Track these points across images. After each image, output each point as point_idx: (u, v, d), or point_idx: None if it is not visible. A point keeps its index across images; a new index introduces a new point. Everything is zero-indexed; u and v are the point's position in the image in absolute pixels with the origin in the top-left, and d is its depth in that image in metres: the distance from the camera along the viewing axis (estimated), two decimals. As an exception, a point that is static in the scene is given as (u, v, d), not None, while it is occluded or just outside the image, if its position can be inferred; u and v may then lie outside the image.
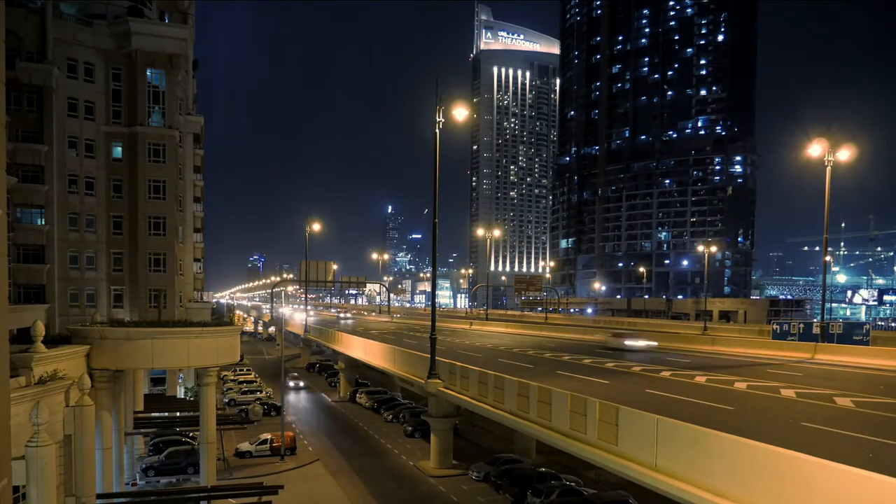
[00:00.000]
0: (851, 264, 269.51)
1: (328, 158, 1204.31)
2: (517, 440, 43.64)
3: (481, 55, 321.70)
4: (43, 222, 42.44)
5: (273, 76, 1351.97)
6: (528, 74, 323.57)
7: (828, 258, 54.72)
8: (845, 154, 41.18)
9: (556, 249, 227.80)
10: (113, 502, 26.51)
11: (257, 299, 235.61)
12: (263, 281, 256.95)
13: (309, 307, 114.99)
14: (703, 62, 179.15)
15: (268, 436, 44.86)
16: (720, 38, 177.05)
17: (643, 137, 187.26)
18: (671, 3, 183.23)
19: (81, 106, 44.09)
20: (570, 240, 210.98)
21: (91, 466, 22.54)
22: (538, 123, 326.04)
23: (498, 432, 48.29)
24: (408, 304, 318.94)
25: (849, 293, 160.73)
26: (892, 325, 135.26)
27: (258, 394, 64.32)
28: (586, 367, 37.16)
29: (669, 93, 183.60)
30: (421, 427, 48.98)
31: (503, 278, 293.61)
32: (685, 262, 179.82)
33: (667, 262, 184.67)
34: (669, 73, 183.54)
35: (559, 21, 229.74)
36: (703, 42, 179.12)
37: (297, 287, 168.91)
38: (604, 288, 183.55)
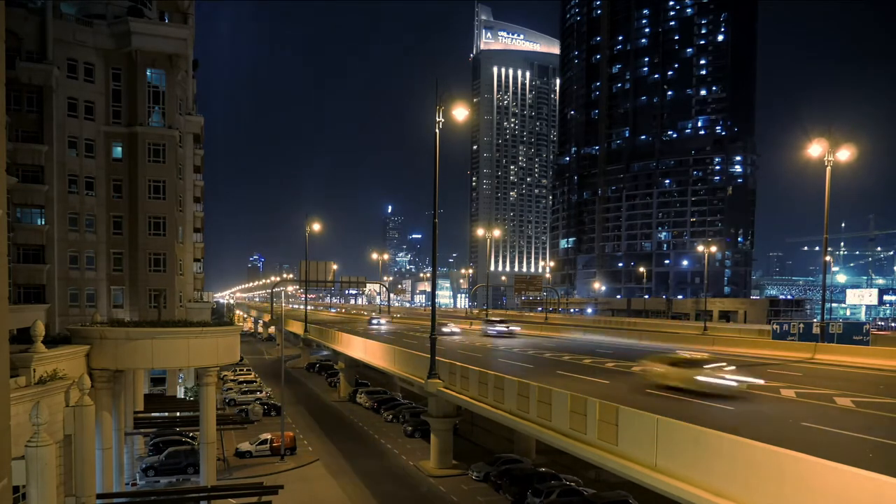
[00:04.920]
0: (851, 264, 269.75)
1: (328, 158, 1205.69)
2: (517, 440, 43.62)
3: (481, 55, 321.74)
4: (43, 222, 42.46)
5: (273, 76, 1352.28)
6: (527, 74, 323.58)
7: (828, 258, 54.73)
8: (845, 154, 41.14)
9: (556, 249, 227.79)
10: (113, 502, 26.51)
11: (257, 299, 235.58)
12: (263, 281, 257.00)
13: (310, 307, 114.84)
14: (703, 62, 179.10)
15: (268, 436, 44.85)
16: (720, 38, 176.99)
17: (643, 137, 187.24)
18: (671, 3, 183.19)
19: (81, 106, 44.11)
20: (570, 240, 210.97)
21: (91, 466, 22.55)
22: (538, 123, 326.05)
23: (498, 432, 48.27)
24: (408, 304, 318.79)
25: (849, 293, 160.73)
26: (893, 324, 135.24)
27: (258, 394, 64.33)
28: (586, 367, 37.14)
29: (669, 93, 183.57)
30: (421, 427, 48.97)
31: (503, 278, 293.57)
32: (685, 262, 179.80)
33: (667, 262, 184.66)
34: (669, 73, 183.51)
35: (559, 21, 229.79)
36: (703, 42, 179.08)
37: (297, 287, 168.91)
38: (604, 288, 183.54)
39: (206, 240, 68.52)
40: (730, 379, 26.64)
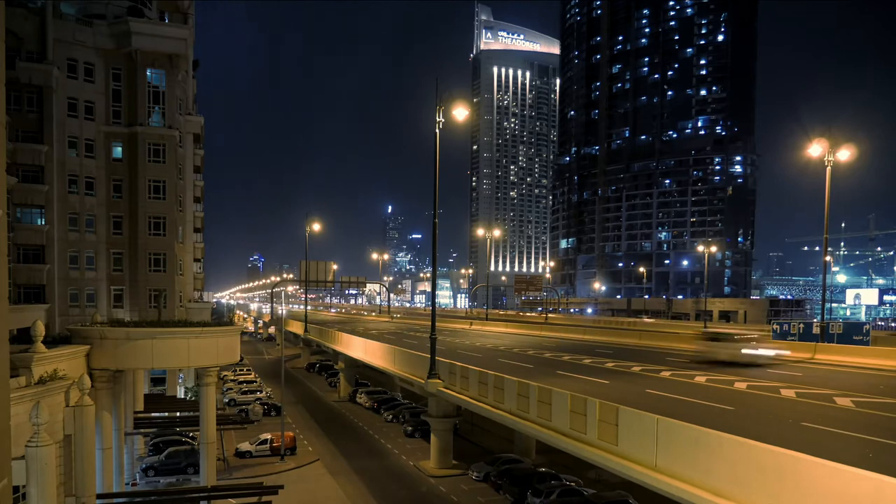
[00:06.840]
0: (851, 264, 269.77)
1: (328, 158, 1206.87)
2: (517, 440, 43.63)
3: (481, 55, 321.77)
4: (43, 222, 42.42)
5: (273, 76, 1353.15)
6: (528, 74, 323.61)
7: (828, 258, 54.70)
8: (845, 154, 41.13)
9: (556, 249, 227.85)
10: (113, 502, 26.50)
11: (257, 300, 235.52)
12: (263, 281, 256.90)
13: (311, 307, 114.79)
14: (703, 62, 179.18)
15: (268, 436, 44.84)
16: (720, 38, 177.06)
17: (643, 137, 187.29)
18: (671, 3, 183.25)
19: (81, 106, 44.05)
20: (570, 240, 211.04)
21: (91, 466, 22.54)
22: (538, 123, 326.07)
23: (498, 432, 48.27)
24: (408, 304, 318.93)
25: (849, 293, 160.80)
26: (892, 325, 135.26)
27: (258, 394, 64.33)
28: (586, 367, 37.15)
29: (669, 93, 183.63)
30: (421, 427, 48.96)
31: (503, 278, 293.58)
32: (685, 262, 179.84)
33: (667, 262, 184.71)
34: (669, 73, 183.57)
35: (559, 21, 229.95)
36: (703, 42, 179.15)
37: (297, 287, 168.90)
38: (604, 288, 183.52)
39: (206, 240, 68.58)
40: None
